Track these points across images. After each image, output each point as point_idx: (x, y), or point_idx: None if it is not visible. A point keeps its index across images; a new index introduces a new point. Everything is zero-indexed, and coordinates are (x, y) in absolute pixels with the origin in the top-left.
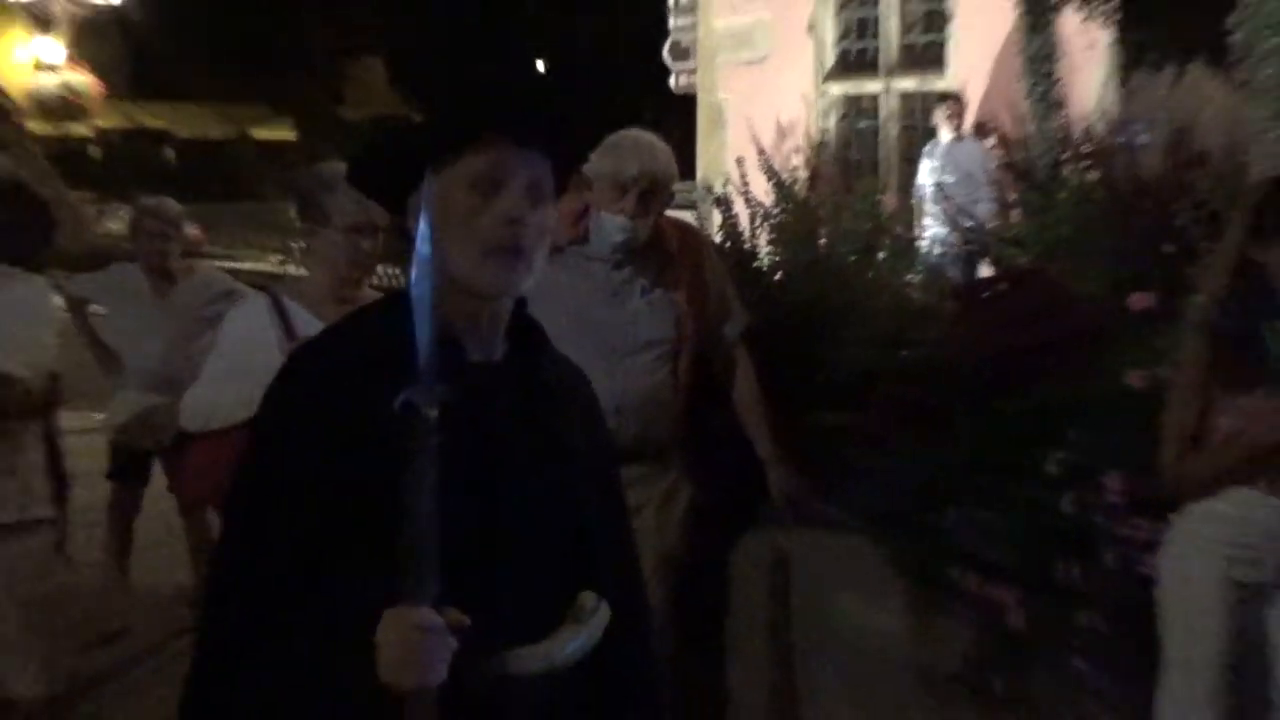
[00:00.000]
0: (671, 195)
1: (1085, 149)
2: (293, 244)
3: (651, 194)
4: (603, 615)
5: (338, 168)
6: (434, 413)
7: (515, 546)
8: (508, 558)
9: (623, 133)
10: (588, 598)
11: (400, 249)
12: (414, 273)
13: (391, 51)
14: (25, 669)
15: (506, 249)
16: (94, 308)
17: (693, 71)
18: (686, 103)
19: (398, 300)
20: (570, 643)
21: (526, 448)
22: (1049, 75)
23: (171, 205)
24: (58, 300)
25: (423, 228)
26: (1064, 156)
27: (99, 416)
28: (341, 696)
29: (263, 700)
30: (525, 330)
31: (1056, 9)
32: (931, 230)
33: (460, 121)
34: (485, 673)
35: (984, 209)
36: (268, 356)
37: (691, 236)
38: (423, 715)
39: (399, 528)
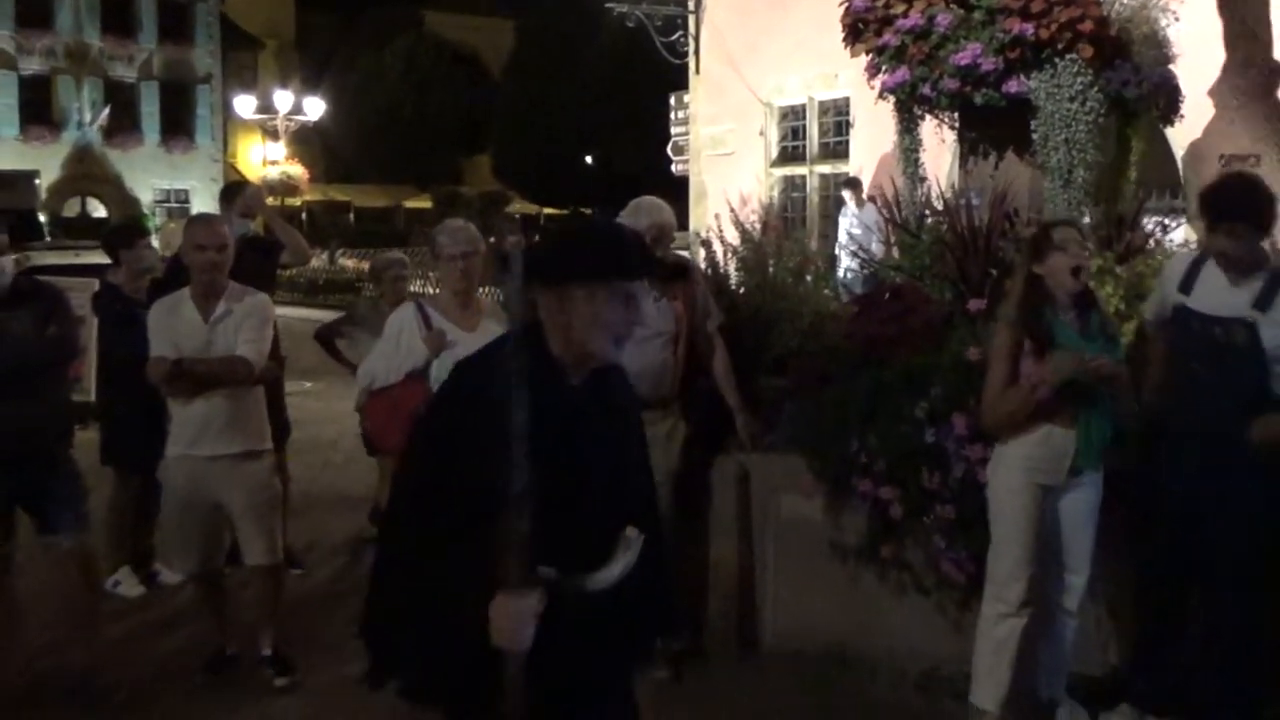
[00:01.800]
0: (673, 239)
1: (939, 208)
2: (431, 273)
3: (658, 239)
4: (639, 542)
5: (449, 223)
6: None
7: (592, 493)
8: (588, 499)
9: (640, 198)
10: (631, 531)
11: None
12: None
13: (495, 151)
14: (256, 546)
15: (626, 337)
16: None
17: (686, 162)
18: (682, 181)
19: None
20: (622, 566)
21: (598, 437)
22: (915, 161)
23: (405, 260)
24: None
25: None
26: (926, 214)
27: (307, 384)
28: (467, 629)
29: (419, 604)
30: (606, 367)
31: (919, 119)
32: (845, 262)
33: (623, 269)
34: (570, 590)
35: (876, 248)
36: (412, 340)
37: (685, 265)
38: (515, 665)
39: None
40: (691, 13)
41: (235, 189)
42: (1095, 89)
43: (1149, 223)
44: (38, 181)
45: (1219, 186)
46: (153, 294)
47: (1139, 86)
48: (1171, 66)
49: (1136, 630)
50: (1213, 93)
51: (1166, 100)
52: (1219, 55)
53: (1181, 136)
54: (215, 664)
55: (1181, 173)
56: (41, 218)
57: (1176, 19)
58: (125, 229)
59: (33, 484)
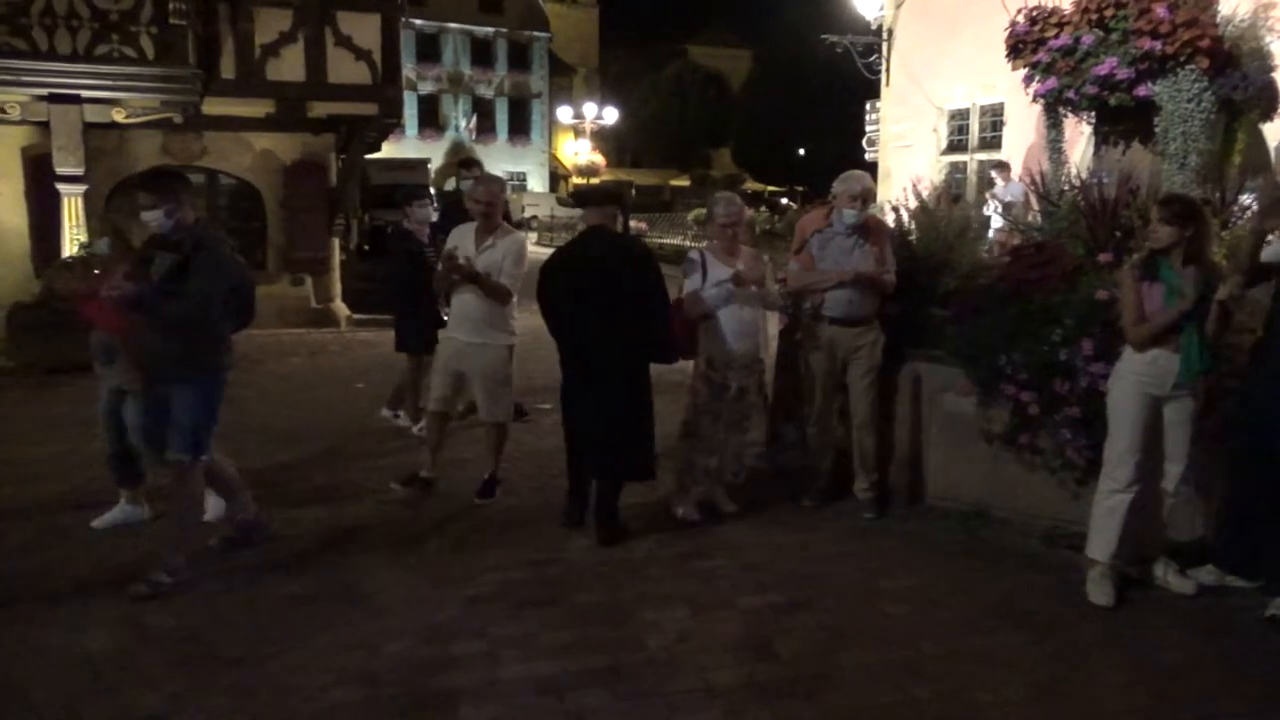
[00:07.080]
0: (875, 199)
1: (1075, 183)
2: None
3: (864, 200)
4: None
5: (720, 195)
6: None
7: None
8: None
9: (852, 170)
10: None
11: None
12: None
13: (735, 144)
14: (485, 407)
15: None
16: None
17: (876, 152)
18: (871, 166)
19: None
20: None
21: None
22: (1059, 149)
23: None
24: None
25: None
26: (1065, 187)
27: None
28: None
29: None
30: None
31: (1063, 117)
32: (996, 223)
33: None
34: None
35: (1017, 213)
36: (695, 276)
37: (879, 223)
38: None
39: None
40: (884, 40)
41: (467, 161)
42: (1209, 92)
43: (1247, 199)
44: (430, 165)
45: None
46: (431, 233)
47: (1245, 90)
48: (1274, 74)
49: (1221, 509)
50: None
51: (1267, 102)
52: None
53: (1276, 132)
54: (409, 480)
55: (1274, 162)
56: (431, 190)
57: (1279, 36)
58: (411, 192)
59: (161, 402)
